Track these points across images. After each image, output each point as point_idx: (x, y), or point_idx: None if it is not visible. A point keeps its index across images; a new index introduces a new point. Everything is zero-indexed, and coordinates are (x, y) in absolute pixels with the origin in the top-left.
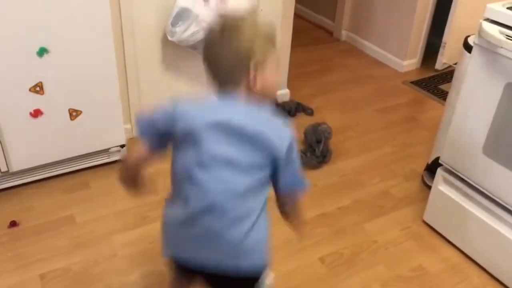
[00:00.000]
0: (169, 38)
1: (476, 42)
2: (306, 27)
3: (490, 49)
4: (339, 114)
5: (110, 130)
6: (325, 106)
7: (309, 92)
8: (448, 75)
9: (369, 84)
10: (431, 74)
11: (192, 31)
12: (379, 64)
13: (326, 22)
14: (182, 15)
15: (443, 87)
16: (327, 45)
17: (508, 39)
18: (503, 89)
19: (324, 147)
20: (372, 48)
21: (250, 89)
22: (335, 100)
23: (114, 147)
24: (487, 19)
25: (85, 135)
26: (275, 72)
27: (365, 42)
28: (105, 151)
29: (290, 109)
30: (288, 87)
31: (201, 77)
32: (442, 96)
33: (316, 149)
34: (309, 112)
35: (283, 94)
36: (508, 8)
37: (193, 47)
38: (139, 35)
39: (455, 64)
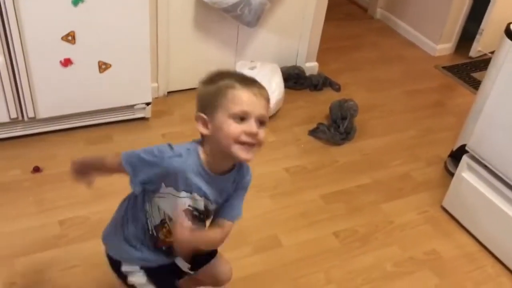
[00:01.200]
0: None
1: None
2: (341, 1)
3: None
4: (366, 92)
5: (137, 87)
6: (352, 83)
7: (338, 67)
8: (482, 63)
9: (399, 65)
10: (465, 61)
11: None
12: (412, 45)
13: None
14: None
15: (476, 75)
16: (360, 22)
17: None
18: None
19: (348, 124)
20: (406, 28)
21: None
22: (363, 78)
23: (139, 104)
24: None
25: (112, 89)
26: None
27: (399, 22)
28: (131, 107)
29: (317, 83)
30: (317, 60)
31: (230, 42)
32: (474, 84)
33: (340, 125)
34: (336, 87)
35: (312, 67)
36: None
37: (226, 10)
38: (172, 1)
39: (491, 52)
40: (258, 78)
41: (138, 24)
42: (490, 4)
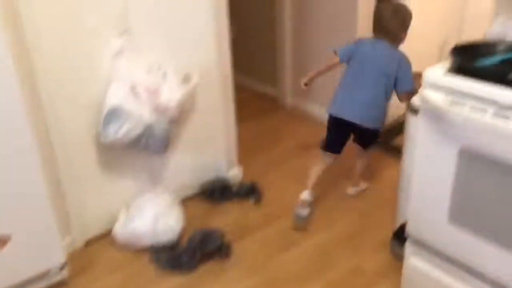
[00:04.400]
0: (102, 140)
1: (422, 109)
2: (249, 97)
3: (438, 115)
4: (295, 186)
5: (46, 249)
6: (280, 179)
7: (262, 166)
8: (397, 128)
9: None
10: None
11: (126, 130)
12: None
13: (269, 89)
14: (114, 114)
15: (395, 142)
16: (274, 114)
17: (453, 104)
18: (458, 155)
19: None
20: (318, 110)
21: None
22: (289, 171)
23: (53, 268)
24: (428, 85)
25: (18, 261)
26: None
27: (311, 106)
28: (45, 274)
29: (242, 192)
30: (240, 165)
31: (144, 171)
32: (396, 152)
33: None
34: (256, 198)
35: (236, 174)
36: (446, 71)
37: (129, 145)
38: (71, 143)
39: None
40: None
41: (29, 177)
42: None
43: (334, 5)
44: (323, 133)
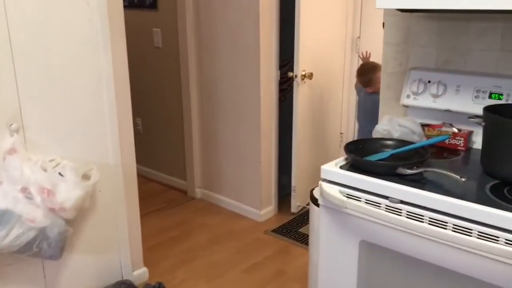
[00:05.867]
0: None
1: (321, 202)
2: (158, 190)
3: (336, 209)
4: (205, 284)
5: None
6: (190, 277)
7: (170, 264)
8: (305, 216)
9: (231, 241)
10: (290, 218)
11: (15, 235)
12: (237, 217)
13: (178, 182)
14: (1, 218)
15: (303, 230)
16: (182, 206)
17: (349, 198)
18: (359, 246)
19: None
20: (227, 201)
21: None
22: (199, 268)
23: None
24: (325, 180)
25: None
26: None
27: (220, 197)
28: None
29: None
30: (145, 265)
31: (36, 279)
32: (304, 240)
33: None
34: None
35: (140, 274)
36: (341, 167)
37: (20, 251)
38: None
39: (308, 204)
40: None
41: None
42: (293, 161)
43: (240, 95)
44: (233, 224)
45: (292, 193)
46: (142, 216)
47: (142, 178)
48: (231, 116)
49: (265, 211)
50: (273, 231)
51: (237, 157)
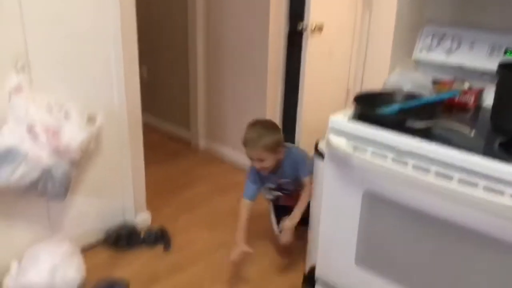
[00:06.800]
0: None
1: (327, 153)
2: (162, 139)
3: (342, 160)
4: (208, 232)
5: None
6: (191, 225)
7: (173, 211)
8: None
9: (233, 193)
10: None
11: (21, 173)
12: (240, 169)
13: (182, 132)
14: (7, 156)
15: None
16: (185, 156)
17: (356, 149)
18: (362, 198)
19: None
20: (231, 153)
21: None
22: (201, 216)
23: None
24: (333, 130)
25: None
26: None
27: (224, 149)
28: None
29: (149, 239)
30: (148, 209)
31: (40, 219)
32: None
33: None
34: (166, 246)
35: (144, 219)
36: (349, 118)
37: (24, 190)
38: None
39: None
40: None
41: None
42: (298, 115)
43: (248, 46)
44: (235, 176)
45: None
46: (146, 164)
47: (146, 127)
48: (238, 66)
49: None
50: None
51: (242, 109)
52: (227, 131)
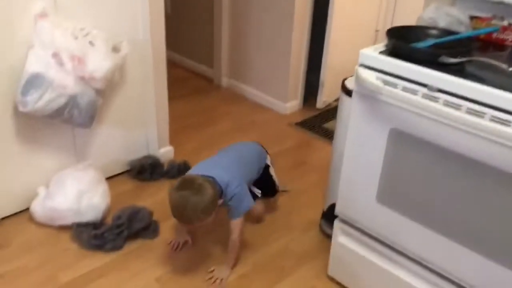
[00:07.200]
0: (20, 109)
1: (355, 89)
2: (185, 76)
3: (370, 95)
4: None
5: None
6: None
7: (194, 146)
8: (330, 112)
9: (254, 131)
10: (315, 113)
11: (47, 99)
12: (262, 108)
13: (205, 69)
14: (34, 81)
15: (328, 125)
16: (208, 94)
17: (386, 84)
18: (388, 135)
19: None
20: (253, 92)
21: None
22: None
23: None
24: (363, 65)
25: None
26: None
27: (246, 87)
28: None
29: (173, 172)
30: (171, 143)
31: (66, 146)
32: (328, 135)
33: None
34: None
35: (167, 152)
36: (380, 52)
37: (51, 116)
38: None
39: (335, 100)
40: None
41: None
42: (324, 56)
43: None
44: (257, 115)
45: (320, 89)
46: (169, 99)
47: (169, 63)
48: (264, 4)
49: (290, 104)
50: (297, 124)
51: (267, 47)
52: (250, 70)
